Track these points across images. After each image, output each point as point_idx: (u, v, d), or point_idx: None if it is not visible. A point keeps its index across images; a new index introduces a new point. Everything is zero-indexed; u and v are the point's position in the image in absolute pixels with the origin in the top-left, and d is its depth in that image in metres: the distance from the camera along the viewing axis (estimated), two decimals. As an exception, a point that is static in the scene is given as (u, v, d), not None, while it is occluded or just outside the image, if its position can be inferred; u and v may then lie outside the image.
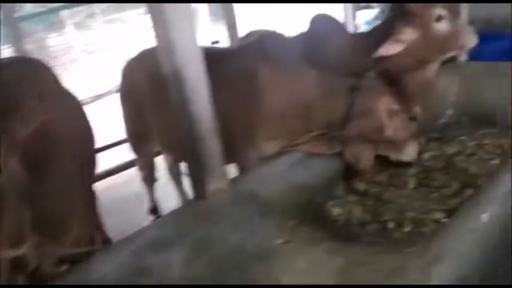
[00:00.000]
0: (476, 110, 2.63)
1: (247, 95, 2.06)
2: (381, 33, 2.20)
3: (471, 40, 2.25)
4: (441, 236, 1.41)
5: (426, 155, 2.27)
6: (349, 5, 5.68)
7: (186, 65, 1.52)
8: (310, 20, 2.44)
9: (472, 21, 4.47)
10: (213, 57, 2.20)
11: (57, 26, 11.83)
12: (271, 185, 1.90)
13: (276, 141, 2.11)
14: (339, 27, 2.38)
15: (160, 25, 1.49)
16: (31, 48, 11.38)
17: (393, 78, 2.07)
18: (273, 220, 1.68)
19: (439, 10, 2.17)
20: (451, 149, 2.32)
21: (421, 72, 2.25)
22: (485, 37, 4.25)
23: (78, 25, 12.56)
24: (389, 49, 2.11)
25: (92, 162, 1.95)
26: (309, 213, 1.92)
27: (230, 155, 2.24)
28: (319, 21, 2.41)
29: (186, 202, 1.75)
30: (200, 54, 1.57)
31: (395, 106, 2.02)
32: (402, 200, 2.01)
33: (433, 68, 2.29)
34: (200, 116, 1.60)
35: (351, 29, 5.86)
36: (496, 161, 2.15)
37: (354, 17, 5.86)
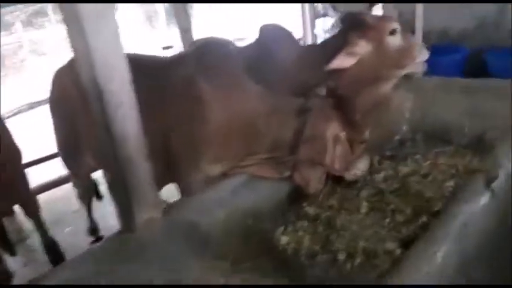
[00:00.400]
0: (431, 126, 2.56)
1: (185, 111, 1.86)
2: (334, 45, 2.07)
3: (422, 54, 2.20)
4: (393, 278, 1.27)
5: (379, 176, 2.15)
6: (307, 13, 5.61)
7: (108, 77, 1.31)
8: (258, 30, 2.29)
9: (427, 34, 4.55)
10: (147, 68, 2.00)
11: (6, 24, 11.19)
12: (212, 213, 1.71)
13: (219, 163, 1.92)
14: (289, 38, 2.23)
15: (75, 30, 1.26)
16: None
17: (345, 97, 1.94)
18: (211, 257, 1.49)
19: (394, 24, 2.08)
20: (405, 169, 2.22)
21: (374, 90, 2.14)
22: (440, 50, 4.31)
23: (28, 24, 11.93)
24: (342, 62, 1.99)
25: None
26: (254, 244, 1.75)
27: (171, 176, 2.04)
28: (268, 31, 2.25)
29: (110, 236, 1.51)
30: (125, 64, 1.36)
31: (342, 134, 1.88)
32: (354, 227, 1.87)
33: (386, 86, 2.20)
34: (126, 135, 1.39)
35: (309, 37, 5.80)
36: (451, 183, 2.05)
37: (312, 25, 5.79)
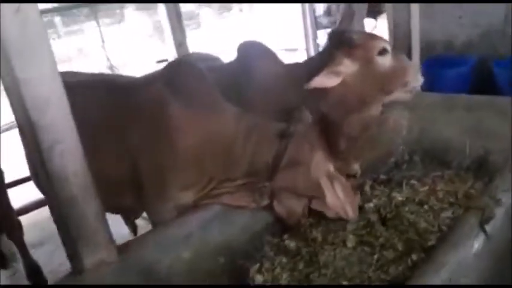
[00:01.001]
0: (430, 147, 2.35)
1: (153, 134, 1.70)
2: (319, 63, 1.90)
3: (416, 79, 2.00)
4: None
5: (370, 205, 1.96)
6: (309, 24, 5.46)
7: (42, 110, 1.16)
8: (238, 46, 2.13)
9: (433, 44, 4.35)
10: (116, 89, 1.86)
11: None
12: (176, 251, 1.54)
13: (190, 190, 1.75)
14: (270, 55, 2.07)
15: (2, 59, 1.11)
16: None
17: (329, 121, 1.76)
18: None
19: (383, 43, 1.89)
20: (399, 196, 2.01)
21: (361, 114, 1.96)
22: (445, 61, 4.10)
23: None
24: (323, 80, 1.81)
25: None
26: (226, 285, 1.57)
27: (139, 205, 1.89)
28: (247, 48, 2.09)
29: (58, 279, 1.36)
30: (63, 95, 1.20)
31: (330, 166, 1.69)
32: (338, 264, 1.68)
33: (374, 109, 2.01)
34: (66, 174, 1.23)
35: (311, 49, 5.64)
36: (449, 213, 1.85)
37: (314, 36, 5.64)
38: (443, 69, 3.81)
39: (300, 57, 6.29)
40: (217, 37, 12.22)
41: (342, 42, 1.88)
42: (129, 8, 12.11)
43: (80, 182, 1.26)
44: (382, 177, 2.22)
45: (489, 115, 2.25)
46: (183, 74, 1.75)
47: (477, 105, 2.34)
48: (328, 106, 1.88)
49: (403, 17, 2.60)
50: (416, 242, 1.69)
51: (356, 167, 1.87)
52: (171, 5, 4.16)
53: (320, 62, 1.91)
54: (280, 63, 2.09)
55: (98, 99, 1.83)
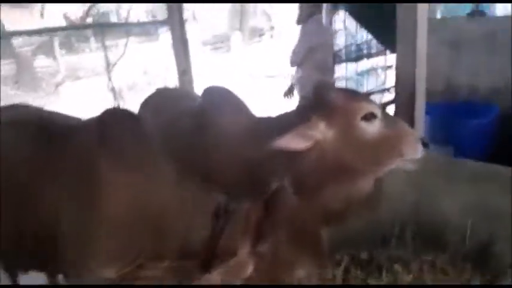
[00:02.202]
0: (425, 221, 2.00)
1: (77, 191, 1.44)
2: (293, 121, 1.59)
3: (414, 150, 1.57)
4: None
5: (336, 296, 1.63)
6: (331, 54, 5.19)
7: None
8: (202, 92, 1.87)
9: (456, 89, 3.97)
10: (47, 131, 1.60)
11: (45, 46, 11.51)
12: None
13: (112, 266, 1.47)
14: (236, 106, 1.78)
15: None
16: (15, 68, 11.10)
17: (299, 196, 1.45)
18: None
19: (370, 106, 1.53)
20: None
21: (345, 187, 1.59)
22: (466, 108, 3.71)
23: (68, 48, 12.23)
24: (291, 142, 1.49)
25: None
26: None
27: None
28: (211, 96, 1.83)
29: None
30: None
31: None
32: None
33: (364, 183, 1.62)
34: None
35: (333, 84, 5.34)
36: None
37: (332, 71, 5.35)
38: (462, 117, 3.41)
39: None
40: (246, 61, 12.22)
41: (321, 101, 1.57)
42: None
43: None
44: (363, 255, 1.89)
45: (497, 191, 1.88)
46: (117, 124, 1.49)
47: (485, 176, 1.96)
48: (301, 173, 1.57)
49: (408, 64, 2.26)
50: None
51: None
52: (176, 29, 3.99)
53: (295, 118, 1.59)
54: (249, 115, 1.80)
55: (27, 139, 1.59)
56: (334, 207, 1.59)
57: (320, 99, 1.58)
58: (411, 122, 2.22)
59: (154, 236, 1.42)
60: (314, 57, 3.64)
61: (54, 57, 10.72)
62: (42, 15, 10.63)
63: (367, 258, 1.88)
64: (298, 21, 3.86)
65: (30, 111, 1.88)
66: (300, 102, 3.80)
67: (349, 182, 1.59)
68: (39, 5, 10.55)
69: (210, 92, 1.84)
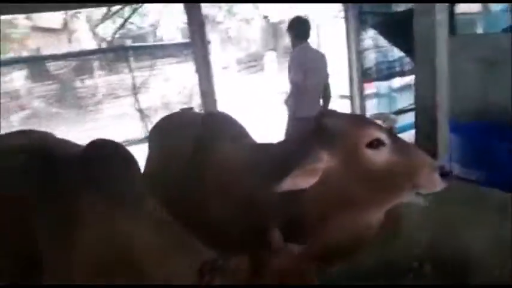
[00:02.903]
0: (448, 257, 1.84)
1: (59, 225, 1.39)
2: (296, 150, 1.49)
3: (430, 182, 1.40)
4: None
5: None
6: (355, 73, 5.08)
7: None
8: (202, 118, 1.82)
9: (489, 109, 3.72)
10: (45, 161, 1.58)
11: (85, 68, 12.00)
12: None
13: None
14: (237, 133, 1.71)
15: None
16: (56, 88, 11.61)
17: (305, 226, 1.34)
18: None
19: (376, 132, 1.40)
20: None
21: (352, 220, 1.46)
22: (503, 131, 3.44)
23: (107, 68, 12.68)
24: (297, 182, 1.37)
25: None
26: None
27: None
28: (212, 121, 1.76)
29: None
30: None
31: None
32: None
33: (371, 216, 1.49)
34: None
35: (356, 97, 5.20)
36: None
37: (361, 87, 5.23)
38: (496, 140, 3.20)
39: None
40: (279, 80, 12.17)
41: (321, 129, 1.48)
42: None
43: None
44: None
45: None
46: (100, 158, 1.44)
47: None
48: (304, 206, 1.47)
49: (427, 84, 2.13)
50: None
51: None
52: (199, 50, 4.03)
53: (297, 147, 1.51)
54: (250, 142, 1.72)
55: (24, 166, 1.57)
56: (340, 244, 1.48)
57: (322, 127, 1.48)
58: (434, 147, 2.08)
59: (130, 281, 1.34)
60: (305, 82, 3.58)
61: (93, 77, 11.14)
62: (69, 40, 11.11)
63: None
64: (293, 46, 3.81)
65: (36, 137, 1.89)
66: (288, 125, 3.78)
67: (356, 217, 1.47)
68: (65, 31, 11.04)
69: (209, 118, 1.79)
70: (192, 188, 1.61)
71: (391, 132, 1.45)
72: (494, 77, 3.50)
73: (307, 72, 3.53)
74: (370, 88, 5.69)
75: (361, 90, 5.15)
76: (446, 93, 1.97)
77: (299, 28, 3.68)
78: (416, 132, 2.07)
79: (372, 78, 5.27)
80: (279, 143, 1.65)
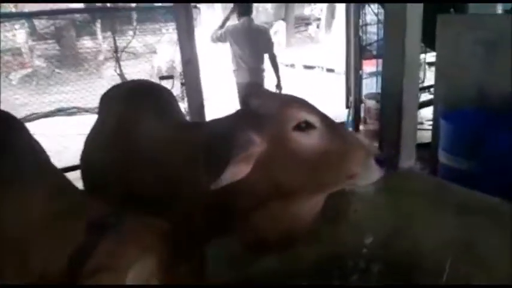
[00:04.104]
0: (399, 257, 1.69)
1: None
2: (225, 135, 1.31)
3: (365, 170, 1.24)
4: None
5: None
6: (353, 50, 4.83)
7: None
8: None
9: (488, 96, 3.46)
10: None
11: (89, 30, 11.78)
12: None
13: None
14: (161, 101, 1.55)
15: None
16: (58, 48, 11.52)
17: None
18: None
19: (306, 114, 1.24)
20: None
21: (283, 207, 1.31)
22: (503, 119, 3.19)
23: (111, 30, 12.48)
24: (235, 174, 1.20)
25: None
26: None
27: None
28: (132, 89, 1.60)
29: None
30: None
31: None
32: None
33: (305, 204, 1.33)
34: None
35: (351, 74, 4.97)
36: None
37: (356, 65, 4.98)
38: (494, 129, 2.92)
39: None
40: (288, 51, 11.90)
41: (249, 110, 1.30)
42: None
43: None
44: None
45: (488, 225, 1.54)
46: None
47: (473, 207, 1.62)
48: (231, 193, 1.31)
49: (396, 72, 1.92)
50: None
51: None
52: (182, 18, 3.82)
53: (227, 130, 1.32)
54: (177, 119, 1.56)
55: None
56: (271, 233, 1.34)
57: (250, 108, 1.31)
58: (397, 136, 1.89)
59: (24, 256, 1.22)
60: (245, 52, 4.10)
61: (97, 39, 10.99)
62: None
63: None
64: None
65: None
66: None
67: (286, 205, 1.32)
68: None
69: (136, 90, 1.64)
70: (115, 161, 1.48)
71: (326, 117, 1.27)
72: (495, 60, 3.24)
73: (246, 44, 4.08)
74: (371, 66, 5.42)
75: (357, 67, 4.89)
76: (415, 78, 1.76)
77: (241, 5, 4.18)
78: (381, 120, 1.88)
79: (371, 55, 5.00)
80: (207, 123, 1.49)
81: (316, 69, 10.30)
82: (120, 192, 1.48)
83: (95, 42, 11.52)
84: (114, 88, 1.91)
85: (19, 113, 6.34)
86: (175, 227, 1.20)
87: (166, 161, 1.39)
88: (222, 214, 1.33)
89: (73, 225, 1.16)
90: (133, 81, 1.88)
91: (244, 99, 1.32)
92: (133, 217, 1.17)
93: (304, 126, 1.22)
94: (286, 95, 1.32)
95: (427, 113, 4.80)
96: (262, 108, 1.27)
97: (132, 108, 1.53)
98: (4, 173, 1.23)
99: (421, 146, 3.02)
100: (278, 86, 4.53)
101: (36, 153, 1.37)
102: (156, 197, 1.41)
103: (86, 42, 11.54)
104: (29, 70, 10.38)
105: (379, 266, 1.66)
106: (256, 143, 1.23)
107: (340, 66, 6.07)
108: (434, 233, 1.60)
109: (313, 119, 1.23)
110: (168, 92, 1.73)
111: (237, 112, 1.34)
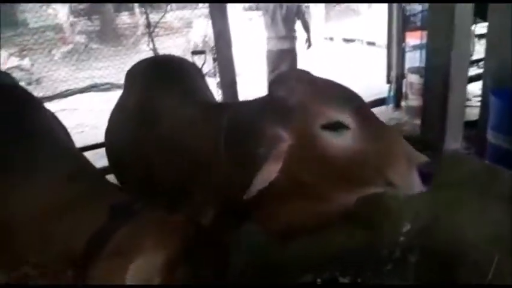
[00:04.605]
0: (439, 247, 1.55)
1: None
2: (251, 129, 1.20)
3: (403, 180, 1.06)
4: None
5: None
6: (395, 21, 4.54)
7: None
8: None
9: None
10: None
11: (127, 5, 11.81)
12: None
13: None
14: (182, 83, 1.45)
15: None
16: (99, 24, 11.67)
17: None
18: None
19: (336, 113, 1.07)
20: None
21: (309, 206, 1.20)
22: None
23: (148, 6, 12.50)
24: (269, 178, 1.10)
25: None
26: None
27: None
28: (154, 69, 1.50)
29: None
30: None
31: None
32: None
33: (332, 206, 1.21)
34: None
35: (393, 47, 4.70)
36: None
37: (399, 37, 4.70)
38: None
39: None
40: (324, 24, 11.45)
41: (275, 100, 1.18)
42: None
43: None
44: (343, 279, 1.51)
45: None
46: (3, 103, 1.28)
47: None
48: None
49: (443, 43, 1.72)
50: None
51: None
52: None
53: (252, 121, 1.20)
54: (202, 99, 1.46)
55: None
56: (298, 226, 1.25)
57: (280, 94, 1.18)
58: (443, 115, 1.71)
59: (40, 239, 1.19)
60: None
61: (135, 15, 11.04)
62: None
63: (349, 282, 1.50)
64: None
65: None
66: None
67: (311, 200, 1.20)
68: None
69: (161, 66, 1.54)
70: (136, 140, 1.42)
71: (365, 112, 1.11)
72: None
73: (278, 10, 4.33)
74: (415, 38, 5.09)
75: (399, 39, 4.60)
76: (465, 50, 1.56)
77: None
78: (424, 95, 1.70)
79: (415, 27, 4.68)
80: (232, 106, 1.38)
81: (356, 43, 9.93)
82: (140, 175, 1.42)
83: (133, 18, 11.62)
84: (138, 64, 1.84)
85: (59, 88, 6.54)
86: (195, 218, 1.13)
87: (187, 143, 1.31)
88: (242, 204, 1.22)
89: (90, 209, 1.12)
90: (157, 56, 1.80)
91: (271, 85, 1.19)
92: (153, 210, 1.11)
93: (335, 127, 1.07)
94: (320, 81, 1.17)
95: (474, 88, 4.48)
96: (290, 98, 1.13)
97: (153, 85, 1.46)
98: (19, 156, 1.20)
99: (468, 125, 2.80)
100: (308, 40, 4.76)
101: (53, 134, 1.33)
102: (176, 181, 1.35)
103: (125, 18, 11.67)
104: (70, 46, 10.67)
105: (416, 257, 1.53)
106: (285, 140, 1.11)
107: (382, 38, 5.80)
108: (480, 224, 1.45)
109: (346, 118, 1.07)
110: (194, 68, 1.64)
111: (264, 99, 1.22)
